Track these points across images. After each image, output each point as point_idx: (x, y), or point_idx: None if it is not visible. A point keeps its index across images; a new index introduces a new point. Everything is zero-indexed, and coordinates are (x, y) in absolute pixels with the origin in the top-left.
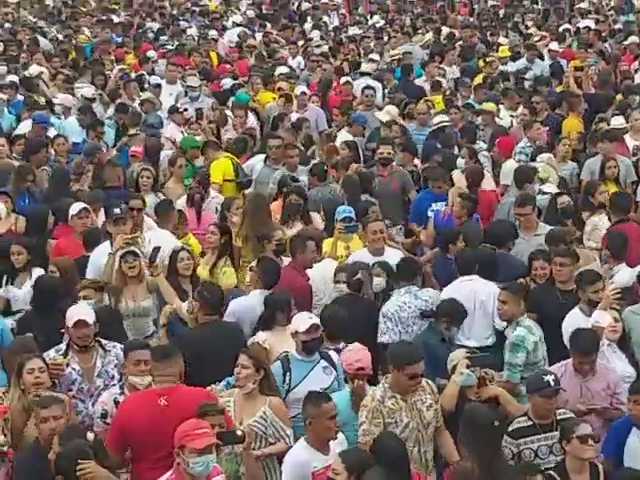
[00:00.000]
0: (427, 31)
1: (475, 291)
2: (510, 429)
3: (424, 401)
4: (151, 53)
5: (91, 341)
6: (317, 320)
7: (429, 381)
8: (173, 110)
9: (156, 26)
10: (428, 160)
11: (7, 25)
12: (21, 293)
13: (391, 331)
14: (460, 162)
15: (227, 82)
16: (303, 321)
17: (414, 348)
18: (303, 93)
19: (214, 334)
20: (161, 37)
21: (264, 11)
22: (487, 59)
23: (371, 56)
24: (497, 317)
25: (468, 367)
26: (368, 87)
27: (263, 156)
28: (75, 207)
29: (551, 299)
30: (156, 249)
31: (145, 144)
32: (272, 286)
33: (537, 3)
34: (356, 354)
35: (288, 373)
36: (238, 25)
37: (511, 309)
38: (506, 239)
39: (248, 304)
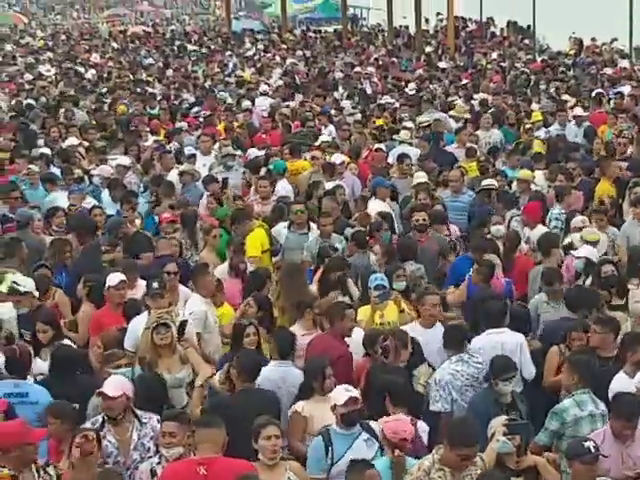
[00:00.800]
0: (459, 97)
1: (502, 342)
2: None
3: (473, 476)
4: (182, 124)
5: (121, 414)
6: (355, 392)
7: (482, 455)
8: (209, 180)
9: (191, 98)
10: (483, 224)
11: (43, 99)
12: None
13: (443, 400)
14: (496, 228)
15: (252, 152)
16: (341, 394)
17: (472, 430)
18: (341, 162)
19: (249, 401)
20: (195, 108)
21: (297, 80)
22: (526, 126)
23: (405, 124)
24: (525, 368)
25: (505, 435)
26: (405, 155)
27: (287, 223)
28: (113, 278)
29: (590, 366)
30: (183, 323)
31: (181, 212)
32: (287, 356)
33: (569, 69)
34: (403, 425)
35: (330, 447)
36: (263, 94)
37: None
38: (587, 305)
39: (263, 376)
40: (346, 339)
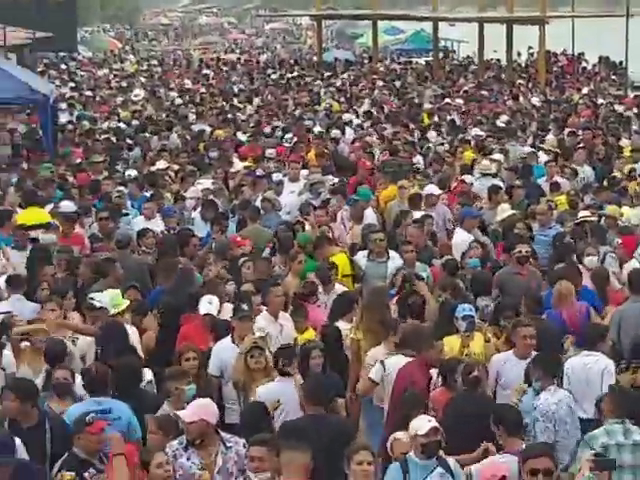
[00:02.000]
0: (549, 131)
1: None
2: None
3: None
4: (271, 151)
5: (201, 438)
6: (436, 423)
7: None
8: (306, 210)
9: (281, 125)
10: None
11: (135, 122)
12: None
13: (550, 431)
14: (590, 259)
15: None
16: (423, 423)
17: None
18: (432, 194)
19: (318, 426)
20: (286, 135)
21: (386, 110)
22: (619, 161)
23: (494, 156)
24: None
25: (592, 470)
26: (498, 187)
27: (366, 251)
28: (206, 300)
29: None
30: None
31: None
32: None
33: None
34: (498, 467)
35: (407, 475)
36: (347, 124)
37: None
38: None
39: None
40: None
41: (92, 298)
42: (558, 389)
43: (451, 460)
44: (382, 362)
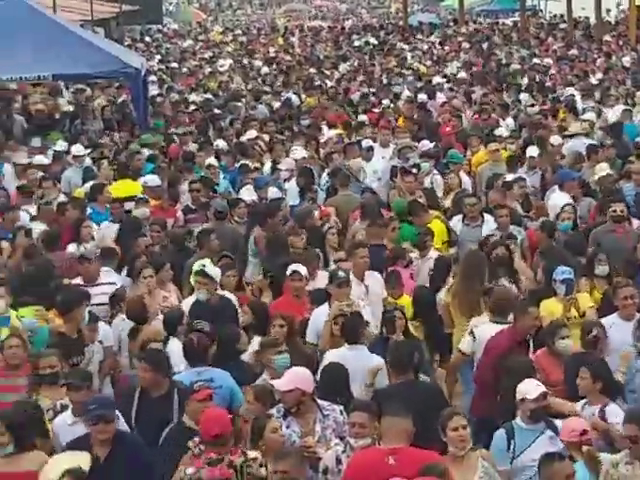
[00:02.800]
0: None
1: None
2: None
3: None
4: (363, 117)
5: (298, 406)
6: (544, 388)
7: None
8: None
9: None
10: None
11: (221, 94)
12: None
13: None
14: None
15: (425, 144)
16: (533, 388)
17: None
18: (532, 156)
19: (409, 393)
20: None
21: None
22: None
23: (585, 116)
24: None
25: None
26: (592, 146)
27: (461, 216)
28: (290, 269)
29: None
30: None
31: (362, 204)
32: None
33: None
34: (578, 423)
35: (512, 441)
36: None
37: None
38: None
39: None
40: None
41: (204, 265)
42: None
43: (559, 422)
44: (472, 332)
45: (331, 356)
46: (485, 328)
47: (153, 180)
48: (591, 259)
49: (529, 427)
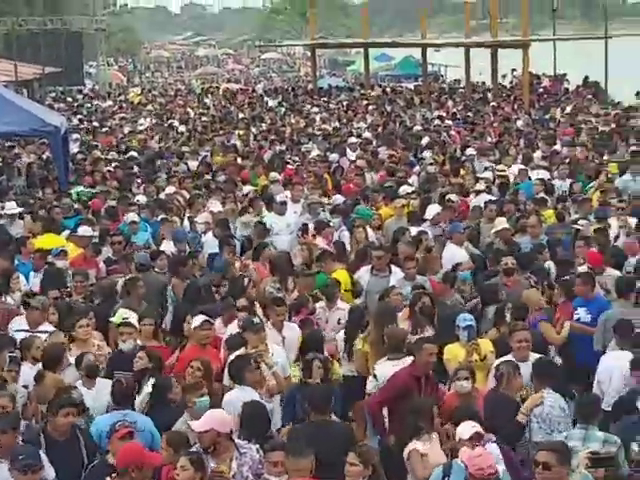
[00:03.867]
0: (537, 149)
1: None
2: None
3: None
4: (275, 174)
5: (214, 446)
6: (480, 428)
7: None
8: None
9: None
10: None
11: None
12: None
13: (543, 431)
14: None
15: (338, 198)
16: (467, 429)
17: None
18: (437, 213)
19: (322, 432)
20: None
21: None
22: (608, 175)
23: (483, 174)
24: None
25: (588, 467)
26: (492, 202)
27: (369, 267)
28: (197, 319)
29: None
30: None
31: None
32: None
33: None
34: (487, 459)
35: (447, 478)
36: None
37: None
38: None
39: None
40: None
41: (127, 317)
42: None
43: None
44: (374, 374)
45: (227, 397)
46: (383, 366)
47: (86, 230)
48: (502, 308)
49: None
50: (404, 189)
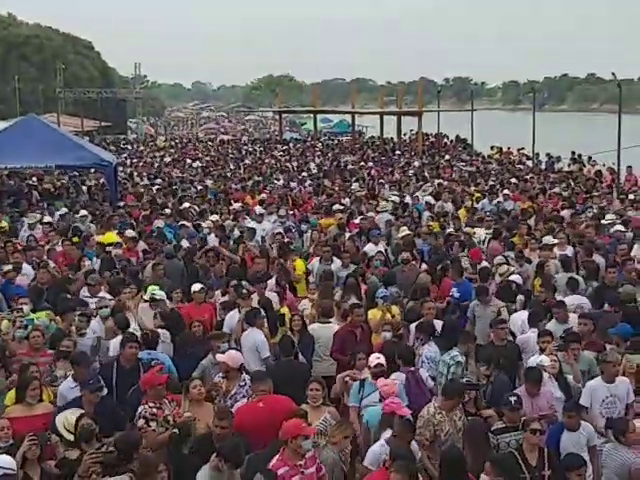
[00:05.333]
0: (427, 181)
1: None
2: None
3: (457, 415)
4: (263, 196)
5: (224, 373)
6: (383, 360)
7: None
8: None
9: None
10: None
11: (169, 180)
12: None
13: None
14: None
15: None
16: (374, 359)
17: (459, 385)
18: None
19: (284, 366)
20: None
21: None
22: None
23: (391, 197)
24: None
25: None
26: (396, 217)
27: (319, 257)
28: (196, 286)
29: None
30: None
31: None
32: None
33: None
34: (391, 387)
35: (362, 388)
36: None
37: None
38: None
39: None
40: None
41: (153, 292)
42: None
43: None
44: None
45: (244, 334)
46: (314, 326)
47: (130, 233)
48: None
49: (373, 382)
50: (336, 207)
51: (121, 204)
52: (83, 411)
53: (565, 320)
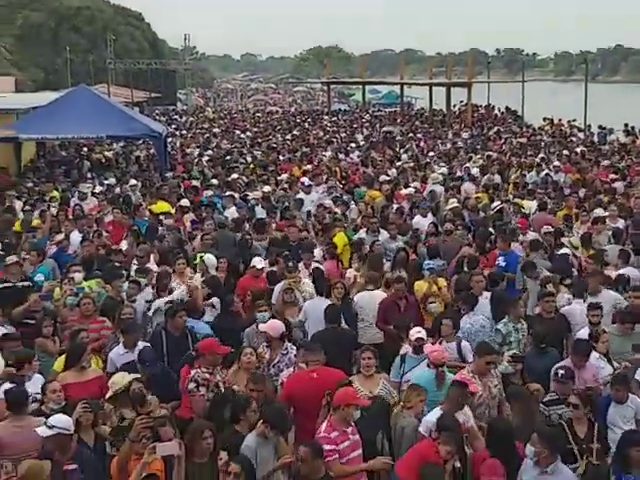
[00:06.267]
0: (476, 153)
1: None
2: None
3: (492, 382)
4: (308, 167)
5: (267, 342)
6: (423, 333)
7: (497, 371)
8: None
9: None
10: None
11: (218, 151)
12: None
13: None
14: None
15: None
16: (415, 332)
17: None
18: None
19: (330, 334)
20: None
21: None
22: (523, 172)
23: (440, 170)
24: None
25: (509, 362)
26: (447, 188)
27: (366, 229)
28: (256, 260)
29: None
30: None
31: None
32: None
33: (544, 138)
34: (442, 352)
35: (403, 364)
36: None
37: None
38: None
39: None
40: None
41: (202, 256)
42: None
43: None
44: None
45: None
46: (363, 294)
47: (184, 202)
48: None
49: (414, 356)
50: (382, 178)
51: (170, 174)
52: (137, 375)
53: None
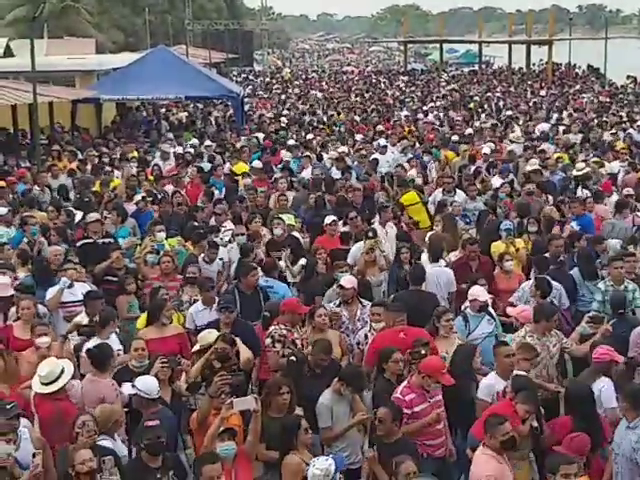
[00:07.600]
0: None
1: None
2: None
3: (551, 341)
4: (380, 127)
5: (350, 299)
6: (484, 294)
7: (557, 332)
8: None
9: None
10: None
11: (291, 112)
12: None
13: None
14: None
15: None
16: (479, 292)
17: (552, 310)
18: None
19: (413, 296)
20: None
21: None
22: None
23: (516, 129)
24: None
25: (587, 323)
26: (526, 147)
27: (441, 189)
28: (328, 218)
29: None
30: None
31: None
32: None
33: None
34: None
35: (467, 323)
36: (425, 110)
37: None
38: None
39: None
40: None
41: (279, 216)
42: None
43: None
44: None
45: None
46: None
47: (258, 164)
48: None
49: (476, 314)
50: (454, 138)
51: (247, 134)
52: (220, 332)
53: None
